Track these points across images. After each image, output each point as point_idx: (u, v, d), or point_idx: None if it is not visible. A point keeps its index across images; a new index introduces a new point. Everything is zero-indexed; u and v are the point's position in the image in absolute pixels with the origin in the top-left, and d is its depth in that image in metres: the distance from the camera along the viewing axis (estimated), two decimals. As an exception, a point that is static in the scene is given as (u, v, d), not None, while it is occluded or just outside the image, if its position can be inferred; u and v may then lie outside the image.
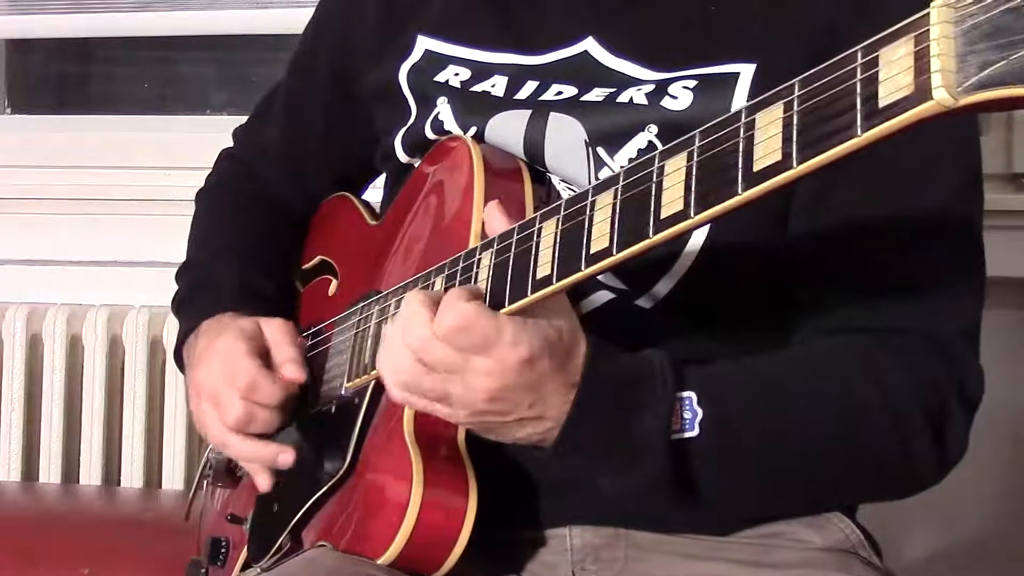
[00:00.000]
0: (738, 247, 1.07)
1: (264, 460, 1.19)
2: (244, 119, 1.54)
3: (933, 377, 1.03)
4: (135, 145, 2.21)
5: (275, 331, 1.22)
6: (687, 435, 0.97)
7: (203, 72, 2.54)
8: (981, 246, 1.10)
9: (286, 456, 1.18)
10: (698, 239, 1.07)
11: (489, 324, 0.90)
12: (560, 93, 1.14)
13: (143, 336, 2.09)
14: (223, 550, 1.31)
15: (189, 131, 2.25)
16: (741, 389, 1.01)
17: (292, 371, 1.19)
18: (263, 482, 1.20)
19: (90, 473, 2.11)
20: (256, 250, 1.39)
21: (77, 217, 2.18)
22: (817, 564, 1.10)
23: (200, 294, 1.33)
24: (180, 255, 1.45)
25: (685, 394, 0.97)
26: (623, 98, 1.11)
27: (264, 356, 1.19)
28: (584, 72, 1.14)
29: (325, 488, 1.15)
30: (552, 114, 1.13)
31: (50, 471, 2.11)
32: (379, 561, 1.03)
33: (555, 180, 1.14)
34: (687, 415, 0.97)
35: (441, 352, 0.91)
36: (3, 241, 2.20)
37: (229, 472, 1.31)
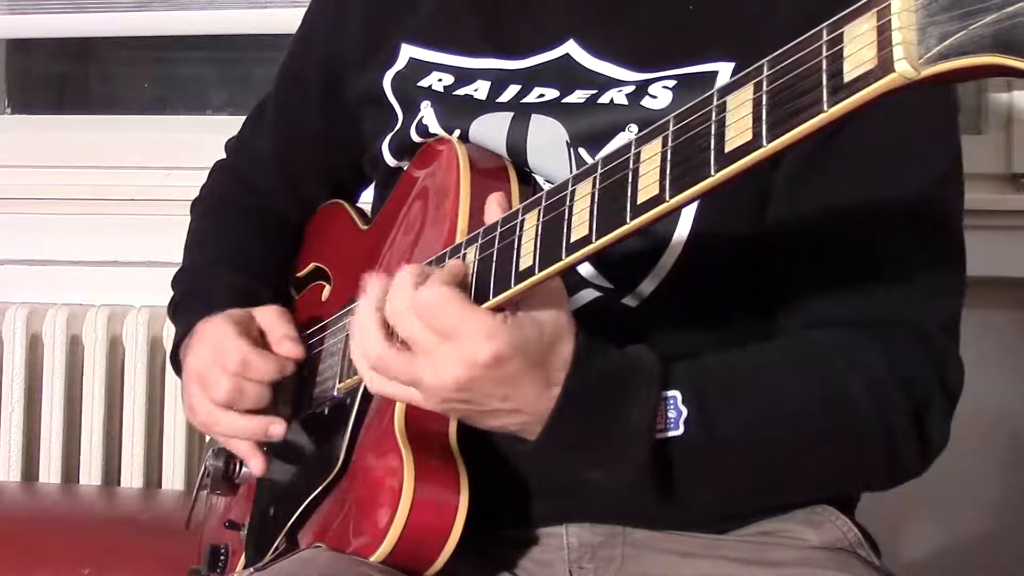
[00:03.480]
0: (721, 243, 1.07)
1: (255, 432, 1.18)
2: (244, 119, 1.54)
3: (915, 369, 1.04)
4: (135, 145, 2.21)
5: (269, 314, 1.22)
6: (671, 434, 0.97)
7: (203, 72, 2.54)
8: (961, 237, 1.10)
9: (277, 427, 1.17)
10: (681, 235, 1.07)
11: (462, 311, 0.90)
12: (542, 95, 1.15)
13: (143, 336, 2.09)
14: (222, 557, 1.32)
15: (189, 131, 2.25)
16: (726, 386, 1.01)
17: (288, 347, 1.19)
18: (257, 465, 1.19)
19: (90, 473, 2.11)
20: (250, 257, 1.40)
21: (77, 217, 2.18)
22: (814, 563, 1.10)
23: (194, 299, 1.33)
24: (180, 255, 1.45)
25: (670, 393, 0.98)
26: (604, 99, 1.12)
27: (255, 340, 1.20)
28: (566, 74, 1.15)
29: (319, 490, 1.15)
30: (534, 116, 1.14)
31: (50, 471, 2.11)
32: (371, 559, 1.03)
33: (539, 181, 1.14)
34: (671, 414, 0.97)
35: (411, 326, 0.91)
36: (3, 241, 2.20)
37: (227, 479, 1.30)
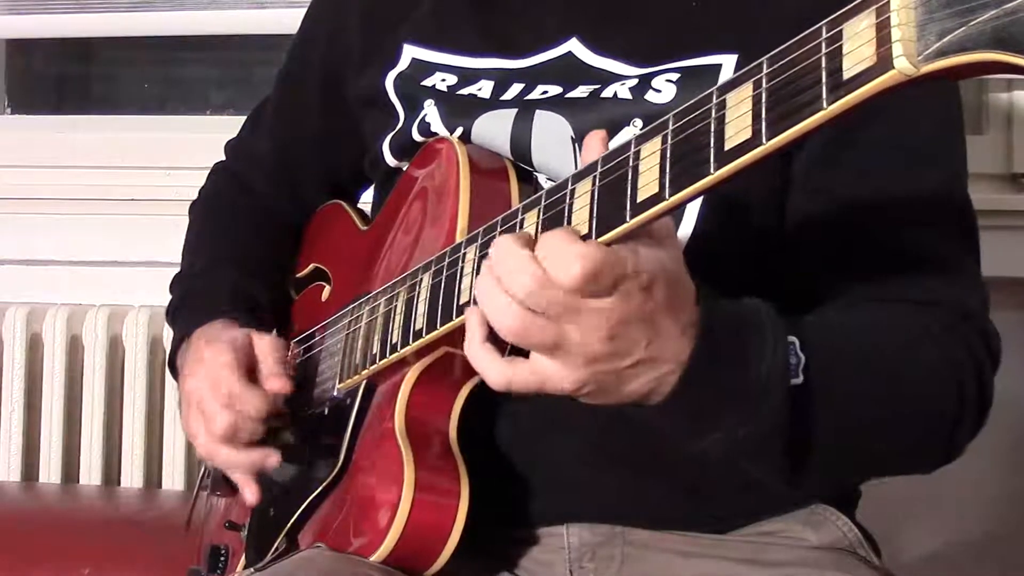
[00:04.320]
0: (725, 241, 1.07)
1: (252, 465, 1.19)
2: (244, 119, 1.54)
3: (974, 345, 1.03)
4: (135, 145, 2.21)
5: (264, 345, 1.22)
6: (793, 382, 0.91)
7: (203, 72, 2.54)
8: (977, 230, 1.11)
9: (272, 460, 1.19)
10: (684, 234, 1.06)
11: (616, 260, 0.81)
12: (545, 92, 1.15)
13: (143, 336, 2.09)
14: (222, 558, 1.32)
15: (189, 131, 2.25)
16: (831, 340, 0.97)
17: (275, 384, 1.20)
18: (250, 495, 1.20)
19: (90, 473, 2.10)
20: (250, 259, 1.39)
21: (77, 217, 2.18)
22: (814, 563, 1.10)
23: (194, 302, 1.34)
24: (180, 255, 1.45)
25: (790, 339, 0.91)
26: (607, 93, 1.12)
27: (251, 368, 1.20)
28: (569, 71, 1.15)
29: (319, 490, 1.15)
30: (538, 112, 1.14)
31: (50, 471, 2.11)
32: (371, 559, 1.04)
33: (542, 178, 1.14)
34: (792, 360, 0.91)
35: (551, 295, 0.81)
36: (3, 241, 2.20)
37: (227, 481, 1.31)
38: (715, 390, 0.88)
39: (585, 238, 0.83)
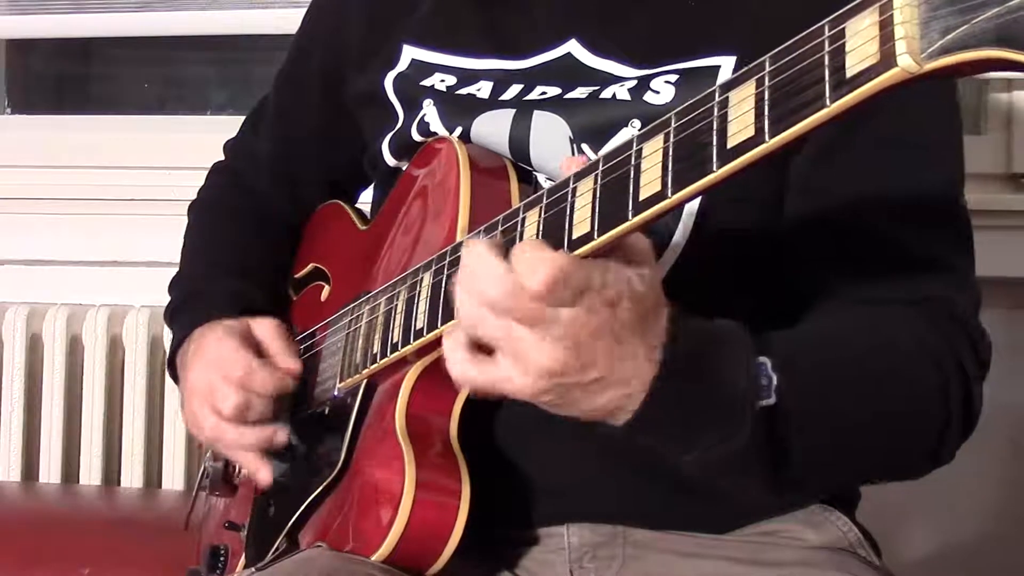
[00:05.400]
0: (721, 243, 1.07)
1: (261, 442, 1.19)
2: (244, 119, 1.54)
3: (959, 346, 1.03)
4: (135, 145, 2.21)
5: (266, 328, 1.23)
6: (764, 403, 0.90)
7: (203, 72, 2.55)
8: (972, 232, 1.11)
9: (281, 435, 1.19)
10: (682, 236, 1.07)
11: (583, 271, 0.81)
12: (544, 93, 1.15)
13: (143, 336, 2.09)
14: (222, 558, 1.32)
15: (189, 131, 2.25)
16: (807, 355, 0.96)
17: (287, 361, 1.20)
18: (263, 476, 1.20)
19: (90, 473, 2.11)
20: (249, 260, 1.40)
21: (77, 217, 2.18)
22: (814, 562, 1.10)
23: (193, 303, 1.34)
24: (179, 255, 1.45)
25: (760, 359, 0.91)
26: (606, 94, 1.12)
27: (256, 351, 1.21)
28: (568, 72, 1.15)
29: (320, 489, 1.15)
30: (536, 112, 1.14)
31: (50, 471, 2.11)
32: (373, 558, 1.03)
33: (541, 178, 1.14)
34: (763, 381, 0.90)
35: (526, 305, 0.82)
36: (3, 241, 2.20)
37: (226, 481, 1.31)
38: (682, 410, 0.88)
39: (587, 237, 0.83)
